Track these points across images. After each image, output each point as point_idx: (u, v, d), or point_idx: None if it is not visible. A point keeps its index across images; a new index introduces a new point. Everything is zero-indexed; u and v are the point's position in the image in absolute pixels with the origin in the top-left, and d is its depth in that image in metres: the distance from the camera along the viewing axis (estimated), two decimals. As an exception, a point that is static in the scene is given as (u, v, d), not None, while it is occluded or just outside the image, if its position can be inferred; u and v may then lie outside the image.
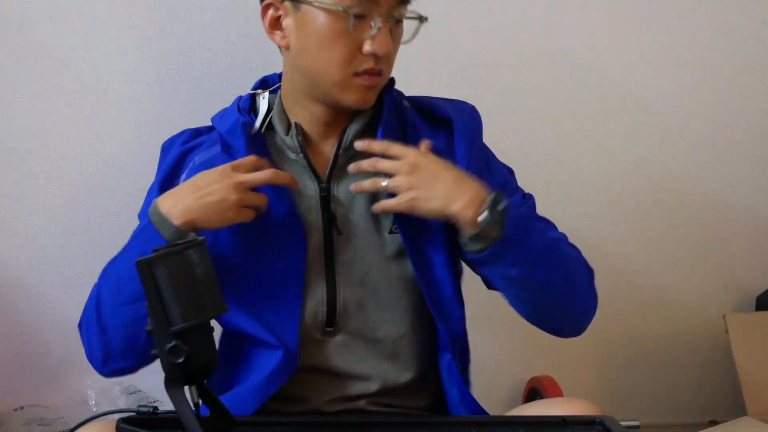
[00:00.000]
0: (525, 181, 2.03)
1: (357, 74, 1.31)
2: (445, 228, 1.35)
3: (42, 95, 1.86)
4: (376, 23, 1.29)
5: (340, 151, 1.37)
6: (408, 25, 1.35)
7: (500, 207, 1.25)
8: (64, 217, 1.90)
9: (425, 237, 1.36)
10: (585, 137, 2.08)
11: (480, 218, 1.25)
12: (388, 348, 1.38)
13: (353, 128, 1.38)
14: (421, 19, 1.34)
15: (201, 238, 1.03)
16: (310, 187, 1.37)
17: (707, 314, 2.16)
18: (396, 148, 1.31)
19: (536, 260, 1.31)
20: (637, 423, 2.10)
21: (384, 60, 1.32)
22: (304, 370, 1.35)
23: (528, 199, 1.46)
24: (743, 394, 1.97)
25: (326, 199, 1.37)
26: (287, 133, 1.39)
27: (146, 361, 1.33)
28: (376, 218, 1.37)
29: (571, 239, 1.93)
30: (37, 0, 1.83)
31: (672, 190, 2.13)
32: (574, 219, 2.10)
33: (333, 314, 1.36)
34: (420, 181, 1.28)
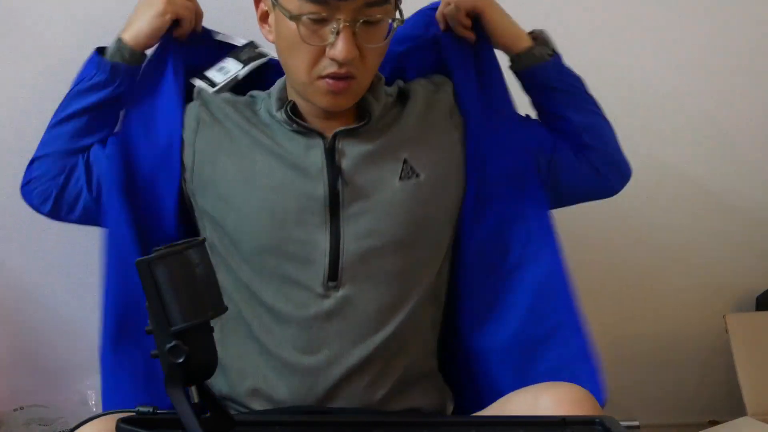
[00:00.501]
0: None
1: (321, 77, 1.31)
2: None
3: (42, 95, 1.86)
4: (335, 28, 1.27)
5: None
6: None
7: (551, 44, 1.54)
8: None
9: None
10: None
11: (539, 43, 1.52)
12: (395, 300, 1.38)
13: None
14: (395, 20, 1.32)
15: (201, 238, 1.03)
16: (313, 144, 1.39)
17: (707, 314, 2.16)
18: None
19: (583, 97, 1.56)
20: (637, 423, 2.10)
21: (353, 64, 1.30)
22: (308, 321, 1.35)
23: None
24: (743, 394, 1.97)
25: (331, 152, 1.37)
26: (278, 110, 1.41)
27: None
28: (383, 168, 1.38)
29: (572, 238, 1.94)
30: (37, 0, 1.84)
31: (672, 189, 2.13)
32: (574, 218, 2.10)
33: (336, 267, 1.36)
34: None
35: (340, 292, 1.36)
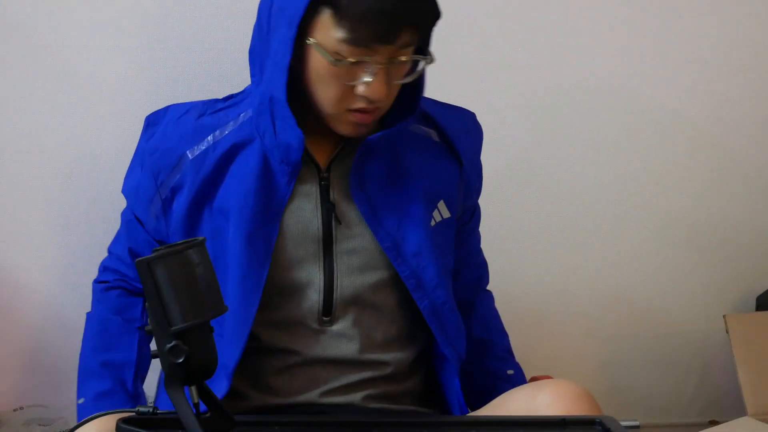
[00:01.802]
0: (523, 182, 2.05)
1: (349, 110, 1.31)
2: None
3: (41, 95, 1.86)
4: (372, 69, 1.26)
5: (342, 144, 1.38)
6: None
7: None
8: (64, 218, 1.89)
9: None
10: (586, 139, 2.08)
11: None
12: (387, 336, 1.40)
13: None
14: (427, 60, 1.31)
15: (201, 238, 1.03)
16: (309, 176, 1.38)
17: (707, 314, 2.16)
18: None
19: None
20: (637, 423, 2.10)
21: (379, 100, 1.29)
22: (303, 361, 1.36)
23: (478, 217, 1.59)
24: (743, 394, 1.97)
25: (326, 188, 1.38)
26: None
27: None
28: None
29: (573, 239, 1.95)
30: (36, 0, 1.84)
31: (672, 189, 2.13)
32: (574, 218, 2.10)
33: (330, 304, 1.37)
34: None
35: (335, 327, 1.38)
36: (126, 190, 1.49)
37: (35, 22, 1.83)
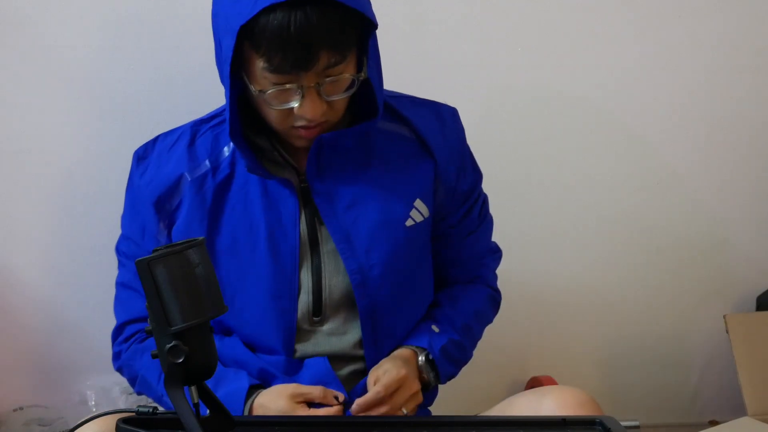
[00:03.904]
0: (519, 182, 2.05)
1: (294, 127, 1.33)
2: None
3: (41, 95, 1.86)
4: (301, 92, 1.27)
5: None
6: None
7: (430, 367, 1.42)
8: (64, 218, 1.90)
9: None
10: (584, 138, 2.08)
11: (429, 380, 1.42)
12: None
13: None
14: (356, 78, 1.31)
15: (201, 238, 1.03)
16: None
17: (707, 314, 2.16)
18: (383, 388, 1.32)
19: (467, 350, 1.50)
20: (637, 423, 2.10)
21: (322, 115, 1.30)
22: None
23: (485, 220, 1.55)
24: (743, 394, 1.97)
25: (307, 190, 1.39)
26: (257, 134, 1.40)
27: None
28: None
29: (572, 239, 1.94)
30: None
31: (672, 189, 2.13)
32: (574, 219, 2.10)
33: (320, 305, 1.38)
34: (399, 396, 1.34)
35: (326, 327, 1.39)
36: (128, 232, 1.47)
37: (35, 22, 1.84)
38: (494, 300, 1.58)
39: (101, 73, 1.86)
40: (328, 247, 1.39)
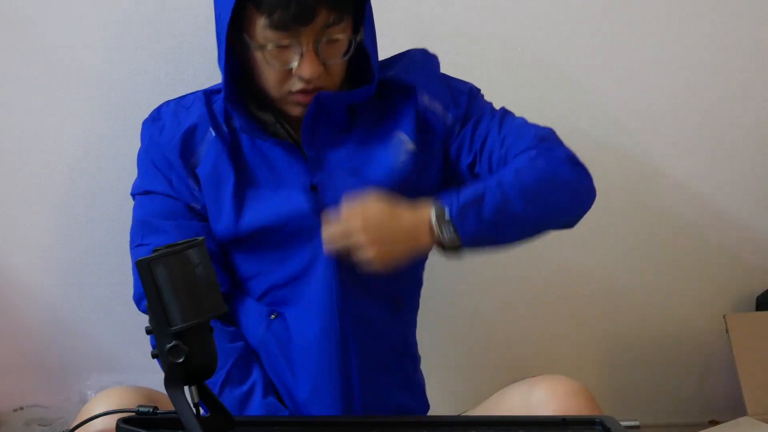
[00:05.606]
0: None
1: (292, 92, 1.37)
2: None
3: (41, 95, 1.86)
4: (299, 50, 1.33)
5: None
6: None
7: (446, 217, 1.28)
8: (64, 218, 1.90)
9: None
10: (584, 138, 2.08)
11: (445, 238, 1.30)
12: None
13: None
14: (353, 40, 1.37)
15: (201, 238, 1.03)
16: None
17: (707, 314, 2.16)
18: (343, 220, 1.29)
19: (516, 220, 1.38)
20: (637, 423, 2.10)
21: (319, 78, 1.36)
22: None
23: (498, 116, 1.49)
24: (743, 394, 1.97)
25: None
26: (260, 109, 1.44)
27: None
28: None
29: (571, 239, 1.93)
30: None
31: (672, 189, 2.13)
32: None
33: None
34: (377, 237, 1.27)
35: None
36: (149, 185, 1.47)
37: (35, 22, 1.83)
38: (571, 160, 1.50)
39: (101, 73, 1.86)
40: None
